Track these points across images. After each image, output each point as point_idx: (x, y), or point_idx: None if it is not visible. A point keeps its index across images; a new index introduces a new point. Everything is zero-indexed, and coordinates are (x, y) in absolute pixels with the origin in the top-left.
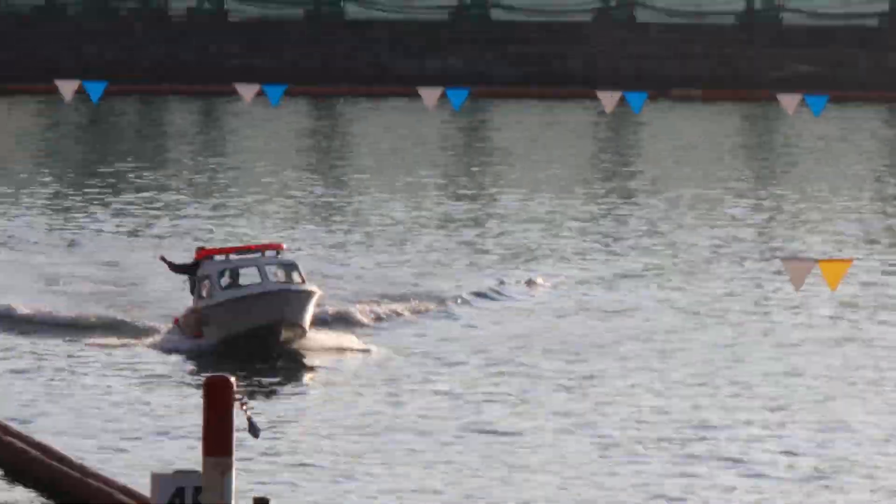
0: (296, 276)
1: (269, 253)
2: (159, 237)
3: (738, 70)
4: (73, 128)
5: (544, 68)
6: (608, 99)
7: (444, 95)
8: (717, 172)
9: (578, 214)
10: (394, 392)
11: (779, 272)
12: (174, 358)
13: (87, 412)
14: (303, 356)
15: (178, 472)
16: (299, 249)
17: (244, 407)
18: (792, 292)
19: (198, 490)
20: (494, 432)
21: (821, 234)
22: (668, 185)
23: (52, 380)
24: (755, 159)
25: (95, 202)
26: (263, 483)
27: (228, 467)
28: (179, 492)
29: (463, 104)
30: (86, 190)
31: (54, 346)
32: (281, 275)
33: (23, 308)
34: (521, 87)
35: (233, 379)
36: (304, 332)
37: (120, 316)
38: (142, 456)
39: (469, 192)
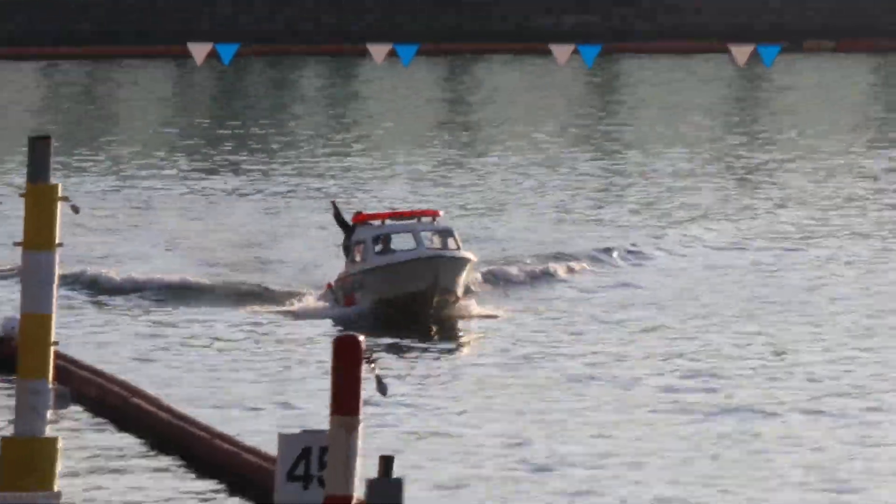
0: (451, 243)
1: (424, 219)
2: (293, 198)
3: (871, 21)
4: (204, 90)
5: (678, 22)
6: (741, 52)
7: (576, 52)
8: (852, 124)
9: (715, 172)
10: (530, 355)
11: None
12: (326, 323)
13: (226, 378)
14: (454, 324)
15: (305, 432)
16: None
17: (373, 365)
18: None
19: (324, 449)
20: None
21: None
22: (801, 139)
23: (205, 346)
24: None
25: (224, 166)
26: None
27: (355, 426)
28: (306, 451)
29: (595, 60)
30: (216, 154)
31: (209, 315)
32: (437, 241)
33: (171, 277)
34: (653, 42)
35: (362, 338)
36: (457, 298)
37: (269, 284)
38: (277, 416)
39: (605, 148)
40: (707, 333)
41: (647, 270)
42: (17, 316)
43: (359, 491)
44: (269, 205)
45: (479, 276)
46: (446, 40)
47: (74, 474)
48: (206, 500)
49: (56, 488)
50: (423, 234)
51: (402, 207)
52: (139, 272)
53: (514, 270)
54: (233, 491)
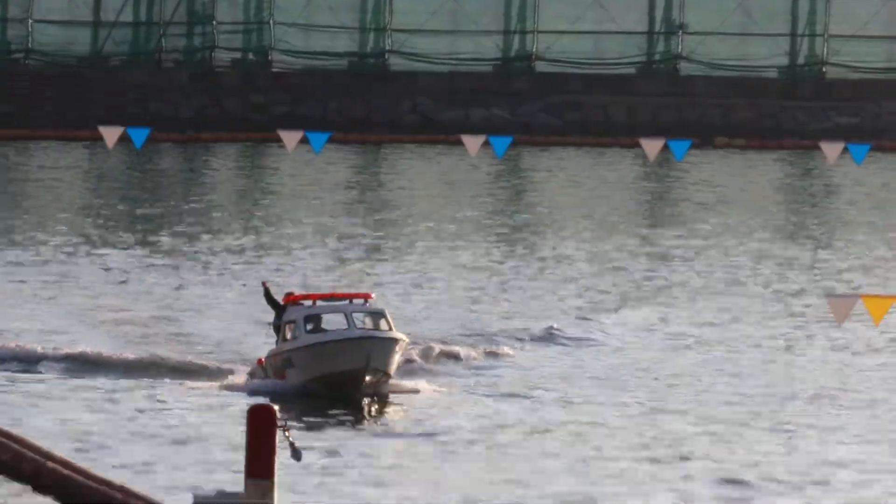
0: (383, 324)
1: (356, 301)
2: (208, 277)
3: (781, 122)
4: (116, 172)
5: (586, 118)
6: (651, 147)
7: (486, 143)
8: (758, 220)
9: (629, 260)
10: (452, 428)
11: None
12: (257, 399)
13: (148, 444)
14: (383, 400)
15: (220, 493)
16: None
17: (287, 433)
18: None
19: None
20: None
21: (867, 275)
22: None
23: (129, 420)
24: (798, 205)
25: (140, 245)
26: None
27: (269, 489)
28: None
29: (506, 152)
30: (129, 232)
31: (132, 390)
32: (369, 322)
33: (92, 351)
34: (563, 136)
35: (276, 407)
36: (388, 378)
37: (194, 358)
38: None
39: (513, 236)
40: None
41: (572, 349)
42: None
43: None
44: (184, 281)
45: (412, 352)
46: (356, 130)
47: None
48: None
49: None
50: (354, 315)
51: (307, 289)
52: (58, 345)
53: (439, 349)
54: None
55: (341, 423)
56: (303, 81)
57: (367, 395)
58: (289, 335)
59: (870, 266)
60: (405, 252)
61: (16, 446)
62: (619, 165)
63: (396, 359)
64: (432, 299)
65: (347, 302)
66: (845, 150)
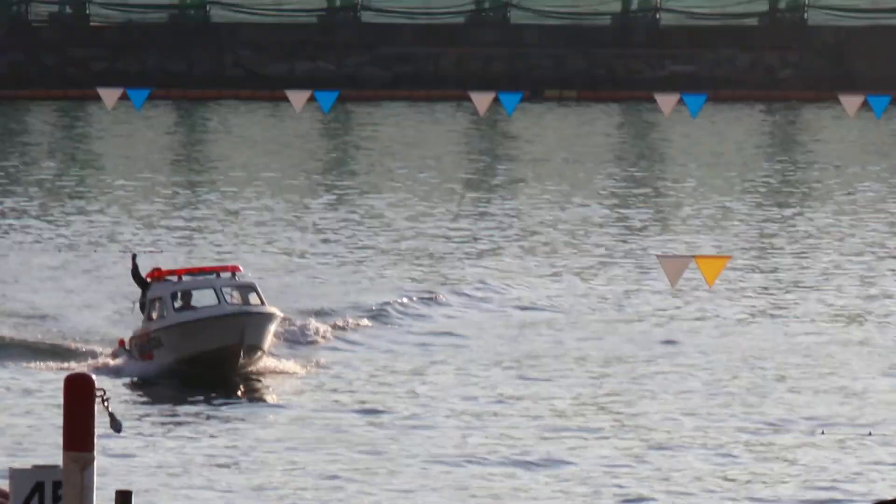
0: (254, 298)
1: (224, 274)
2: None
3: (615, 72)
4: None
5: (416, 70)
6: (481, 100)
7: (312, 98)
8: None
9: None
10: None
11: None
12: (123, 381)
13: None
14: (258, 380)
15: (37, 467)
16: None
17: (105, 403)
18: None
19: (58, 484)
20: None
21: (698, 234)
22: (535, 185)
23: None
24: (632, 159)
25: None
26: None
27: (89, 462)
28: (39, 486)
29: (332, 107)
30: None
31: None
32: (238, 296)
33: None
34: (392, 89)
35: (94, 376)
36: (262, 355)
37: (48, 339)
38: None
39: (338, 195)
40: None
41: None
42: None
43: None
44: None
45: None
46: (177, 86)
47: None
48: None
49: None
50: (224, 289)
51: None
52: None
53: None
54: None
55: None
56: (122, 36)
57: (242, 373)
58: (155, 314)
59: (702, 227)
60: (227, 215)
61: None
62: (449, 121)
63: (271, 335)
64: (260, 264)
65: (215, 276)
66: (681, 101)
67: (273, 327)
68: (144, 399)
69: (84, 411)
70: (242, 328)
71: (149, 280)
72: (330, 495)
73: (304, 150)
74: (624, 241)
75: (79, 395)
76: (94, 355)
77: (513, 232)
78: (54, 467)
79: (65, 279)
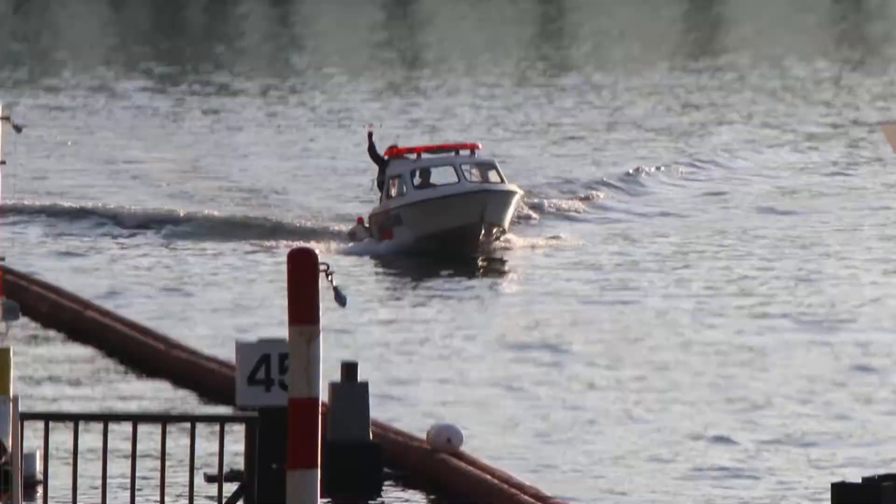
0: (493, 176)
1: (463, 152)
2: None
3: None
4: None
5: None
6: None
7: None
8: None
9: None
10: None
11: None
12: (363, 259)
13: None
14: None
15: (263, 340)
16: None
17: (329, 277)
18: None
19: (284, 356)
20: None
21: None
22: None
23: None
24: None
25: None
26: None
27: (314, 334)
28: (265, 357)
29: None
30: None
31: (228, 253)
32: (477, 174)
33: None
34: None
35: (317, 250)
36: (503, 232)
37: (281, 218)
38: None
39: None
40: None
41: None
42: None
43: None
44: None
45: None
46: None
47: (31, 382)
48: (167, 400)
49: (11, 394)
50: (463, 167)
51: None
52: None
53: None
54: (195, 394)
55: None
56: None
57: (484, 250)
58: (394, 191)
59: None
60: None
61: (53, 296)
62: None
63: (511, 213)
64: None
65: (455, 153)
66: None
67: (513, 205)
68: (384, 274)
69: (308, 285)
70: (483, 206)
71: (386, 158)
72: (551, 375)
73: None
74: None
75: (302, 269)
76: (333, 234)
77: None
78: (280, 340)
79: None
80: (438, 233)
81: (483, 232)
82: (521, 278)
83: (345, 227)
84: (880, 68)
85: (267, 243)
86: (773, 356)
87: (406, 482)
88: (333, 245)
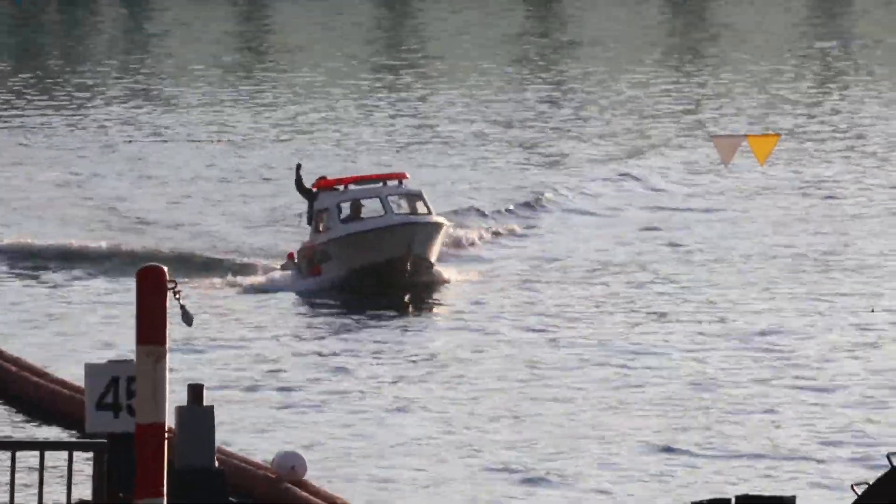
0: (421, 206)
1: (391, 182)
2: None
3: None
4: None
5: None
6: None
7: None
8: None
9: None
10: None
11: None
12: (293, 296)
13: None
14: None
15: (112, 362)
16: None
17: (177, 295)
18: None
19: (132, 379)
20: None
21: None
22: None
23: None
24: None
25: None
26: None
27: (162, 355)
28: (114, 380)
29: None
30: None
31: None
32: (405, 205)
33: (84, 244)
34: None
35: (165, 268)
36: (431, 265)
37: (216, 254)
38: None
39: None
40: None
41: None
42: None
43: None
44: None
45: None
46: None
47: None
48: (18, 428)
49: None
50: (390, 198)
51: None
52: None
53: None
54: (45, 422)
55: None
56: None
57: (412, 283)
58: (322, 226)
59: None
60: None
61: None
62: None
63: (439, 244)
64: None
65: (382, 184)
66: None
67: (440, 237)
68: (306, 312)
69: (156, 304)
70: (410, 238)
71: (314, 190)
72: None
73: None
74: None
75: (151, 287)
76: (264, 270)
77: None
78: (130, 362)
79: (229, 198)
80: (366, 267)
81: (410, 264)
82: (444, 310)
83: (277, 263)
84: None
85: (202, 279)
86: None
87: None
88: (265, 280)
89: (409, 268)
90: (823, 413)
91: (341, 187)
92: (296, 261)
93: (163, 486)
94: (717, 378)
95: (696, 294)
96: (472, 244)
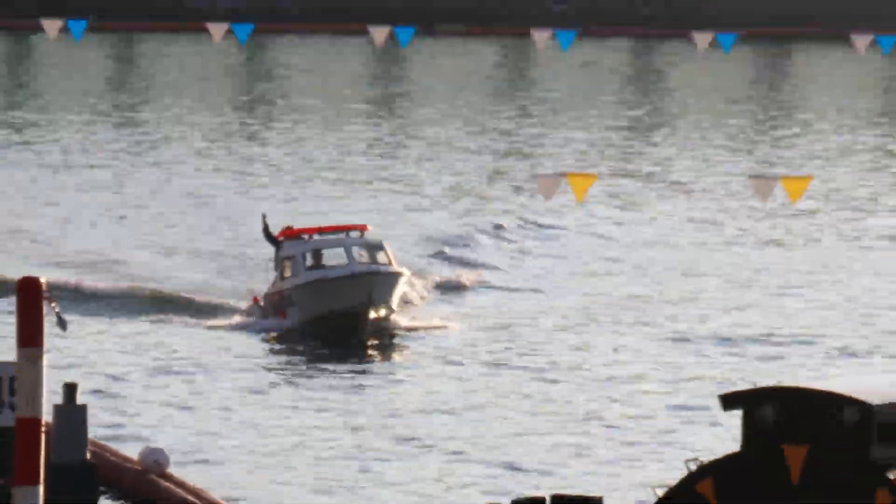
0: (382, 257)
1: (353, 233)
2: None
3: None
4: None
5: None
6: (378, 34)
7: (230, 31)
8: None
9: None
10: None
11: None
12: (259, 337)
13: None
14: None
15: None
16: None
17: (53, 304)
18: None
19: (13, 378)
20: None
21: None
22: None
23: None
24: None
25: None
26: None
27: (39, 357)
28: None
29: (249, 38)
30: None
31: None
32: (366, 256)
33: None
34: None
35: (43, 279)
36: (391, 313)
37: (186, 294)
38: None
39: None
40: None
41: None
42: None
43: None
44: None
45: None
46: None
47: None
48: None
49: None
50: (353, 248)
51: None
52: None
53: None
54: None
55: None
56: None
57: (372, 331)
58: (287, 272)
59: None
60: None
61: None
62: (348, 55)
63: (399, 293)
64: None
65: (345, 235)
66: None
67: (400, 286)
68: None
69: (34, 310)
70: (371, 287)
71: (280, 239)
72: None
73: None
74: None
75: (29, 295)
76: (230, 311)
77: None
78: (12, 363)
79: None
80: (328, 313)
81: (370, 313)
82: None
83: (244, 305)
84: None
85: (170, 318)
86: None
87: (121, 501)
88: (234, 320)
89: (368, 316)
90: (630, 422)
91: (306, 237)
92: (261, 304)
93: (39, 474)
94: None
95: None
96: (438, 290)
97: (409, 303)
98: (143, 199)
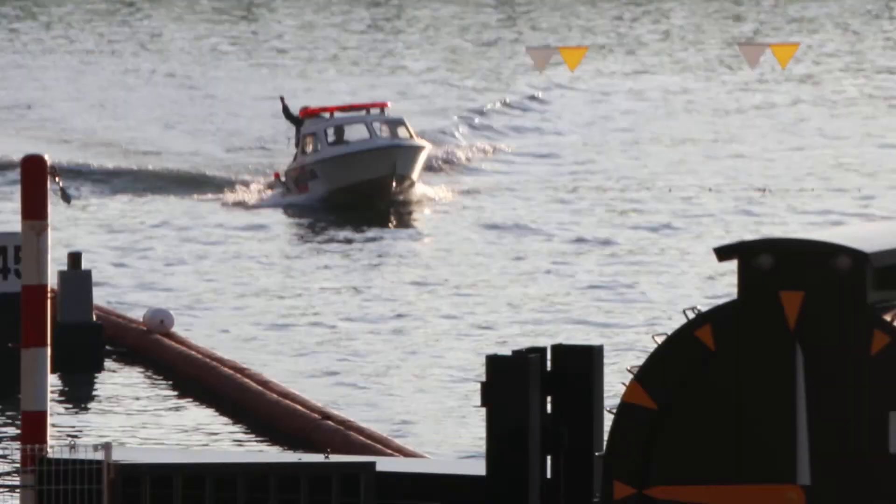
0: (403, 132)
1: (374, 110)
2: None
3: None
4: None
5: None
6: None
7: None
8: None
9: None
10: None
11: None
12: (280, 210)
13: None
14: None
15: (0, 234)
16: None
17: (57, 178)
18: None
19: (18, 248)
20: None
21: None
22: None
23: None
24: None
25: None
26: None
27: (43, 228)
28: (2, 249)
29: None
30: None
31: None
32: (387, 131)
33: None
34: None
35: (46, 156)
36: (413, 184)
37: (207, 171)
38: None
39: None
40: None
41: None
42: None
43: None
44: None
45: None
46: None
47: None
48: None
49: None
50: (374, 124)
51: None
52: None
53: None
54: None
55: None
56: None
57: (395, 201)
58: (309, 148)
59: None
60: None
61: None
62: None
63: (420, 166)
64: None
65: (366, 112)
66: None
67: (422, 158)
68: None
69: (39, 185)
70: (394, 159)
71: (301, 117)
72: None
73: None
74: None
75: (33, 171)
76: (250, 186)
77: None
78: (15, 234)
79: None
80: (351, 186)
81: (394, 184)
82: (419, 231)
83: (263, 181)
84: None
85: (192, 195)
86: None
87: (125, 358)
88: (255, 196)
89: (393, 187)
90: None
91: (327, 115)
92: (282, 180)
93: (46, 337)
94: None
95: None
96: (458, 165)
97: (435, 172)
98: (153, 82)
